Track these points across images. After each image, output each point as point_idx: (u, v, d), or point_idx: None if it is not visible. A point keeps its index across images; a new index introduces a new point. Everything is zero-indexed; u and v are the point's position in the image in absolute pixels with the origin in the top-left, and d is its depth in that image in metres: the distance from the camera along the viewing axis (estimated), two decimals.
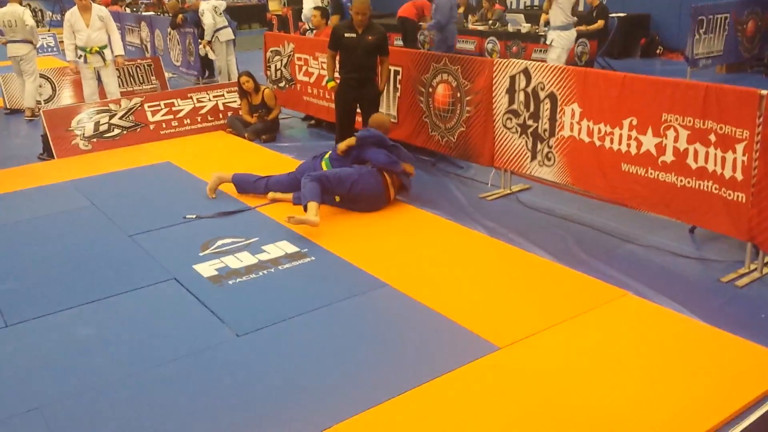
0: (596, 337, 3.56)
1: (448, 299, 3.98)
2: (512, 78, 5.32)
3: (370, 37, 5.98)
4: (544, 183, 5.48)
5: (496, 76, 5.45)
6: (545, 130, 5.17)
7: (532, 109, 5.23)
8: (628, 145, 4.60)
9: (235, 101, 8.39)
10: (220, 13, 10.53)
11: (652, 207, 4.65)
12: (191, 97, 8.30)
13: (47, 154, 7.43)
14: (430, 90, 6.12)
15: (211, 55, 10.78)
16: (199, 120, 8.26)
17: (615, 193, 4.81)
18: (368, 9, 6.02)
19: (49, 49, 15.58)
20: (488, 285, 4.18)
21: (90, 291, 4.29)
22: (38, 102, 9.63)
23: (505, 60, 5.44)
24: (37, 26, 18.78)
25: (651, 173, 4.50)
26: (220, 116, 8.36)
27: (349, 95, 6.18)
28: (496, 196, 5.72)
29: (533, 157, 5.33)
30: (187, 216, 5.40)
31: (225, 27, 10.59)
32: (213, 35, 10.48)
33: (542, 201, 5.50)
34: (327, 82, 6.32)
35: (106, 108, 7.80)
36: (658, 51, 11.82)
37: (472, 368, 3.33)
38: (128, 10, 17.64)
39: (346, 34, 6.04)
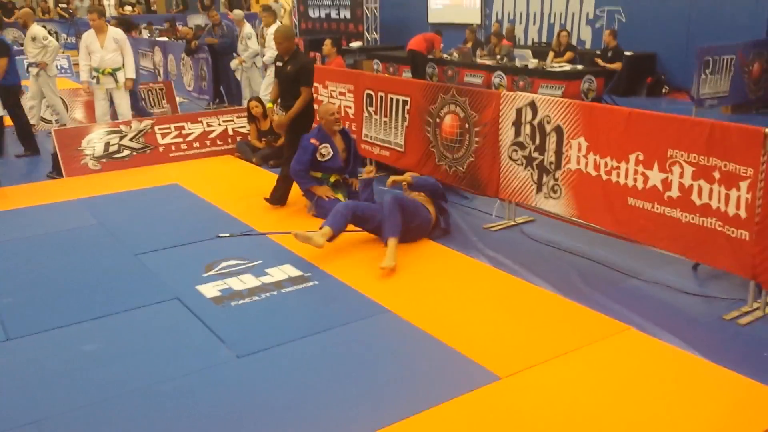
0: (597, 370, 3.55)
1: (449, 327, 3.98)
2: (519, 110, 5.38)
3: (289, 67, 6.10)
4: (549, 215, 5.50)
5: (503, 108, 5.51)
6: (551, 163, 5.20)
7: (538, 141, 5.27)
8: (635, 180, 4.62)
9: (244, 126, 8.49)
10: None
11: (657, 242, 4.66)
12: (201, 121, 8.40)
13: (56, 172, 7.50)
14: (438, 120, 6.19)
15: (238, 75, 10.94)
16: (208, 144, 8.35)
17: (621, 227, 4.82)
18: (284, 39, 6.13)
19: (63, 71, 15.78)
20: (490, 315, 4.17)
21: (93, 308, 4.31)
22: (46, 121, 9.83)
23: (511, 93, 5.51)
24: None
25: (657, 208, 4.52)
26: (229, 141, 8.45)
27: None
28: (501, 227, 5.74)
29: (539, 190, 5.36)
30: (221, 235, 5.46)
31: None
32: (251, 61, 10.70)
33: (546, 233, 5.51)
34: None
35: (117, 129, 7.90)
36: (663, 90, 11.93)
37: (472, 397, 3.32)
38: (145, 34, 17.89)
39: (277, 63, 6.32)
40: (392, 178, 5.43)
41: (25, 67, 9.56)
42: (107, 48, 8.34)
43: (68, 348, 3.85)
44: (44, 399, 3.37)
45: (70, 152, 7.56)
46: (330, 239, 4.95)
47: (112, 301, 4.39)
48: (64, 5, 21.46)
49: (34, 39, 9.25)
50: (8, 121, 9.52)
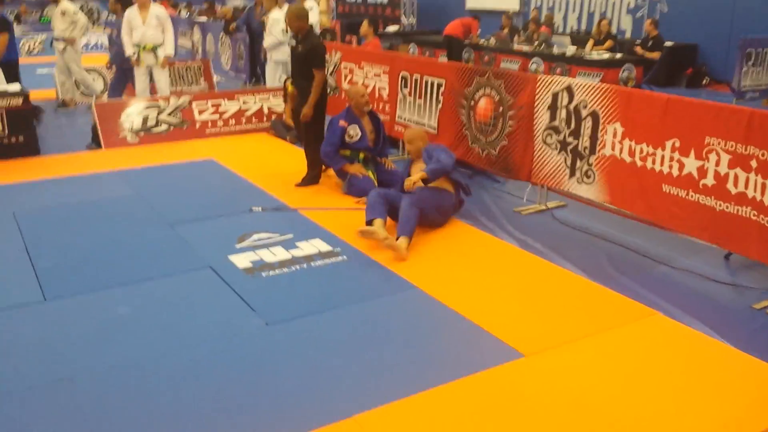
0: (622, 353, 3.55)
1: (476, 305, 4.01)
2: (555, 95, 5.35)
3: (300, 48, 6.05)
4: (581, 201, 5.47)
5: (538, 92, 5.49)
6: (585, 148, 5.18)
7: (573, 126, 5.25)
8: (670, 167, 4.58)
9: (279, 105, 8.57)
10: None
11: (689, 230, 4.62)
12: (238, 99, 8.50)
13: (96, 144, 7.67)
14: (472, 103, 6.18)
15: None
16: (243, 121, 8.45)
17: (653, 214, 4.78)
18: (295, 18, 6.07)
19: (103, 47, 16.06)
20: (517, 295, 4.19)
21: (128, 273, 4.43)
22: (86, 94, 10.06)
23: (548, 77, 5.48)
24: (93, 25, 19.42)
25: (692, 196, 4.48)
26: (264, 119, 8.54)
27: (297, 102, 6.40)
28: (531, 211, 5.73)
29: (572, 174, 5.34)
30: (254, 208, 5.57)
31: (280, 44, 10.74)
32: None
33: (577, 218, 5.49)
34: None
35: (156, 104, 8.04)
36: (704, 82, 11.71)
37: (496, 373, 3.35)
38: (184, 13, 18.11)
39: (290, 44, 6.34)
40: (408, 181, 5.10)
41: (50, 42, 9.79)
42: (149, 24, 8.47)
43: (103, 310, 3.97)
44: (78, 357, 3.48)
45: (110, 125, 7.72)
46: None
47: (147, 268, 4.51)
48: None
49: (63, 14, 9.39)
50: (40, 94, 9.81)
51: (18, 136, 7.19)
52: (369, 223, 4.86)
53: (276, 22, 9.26)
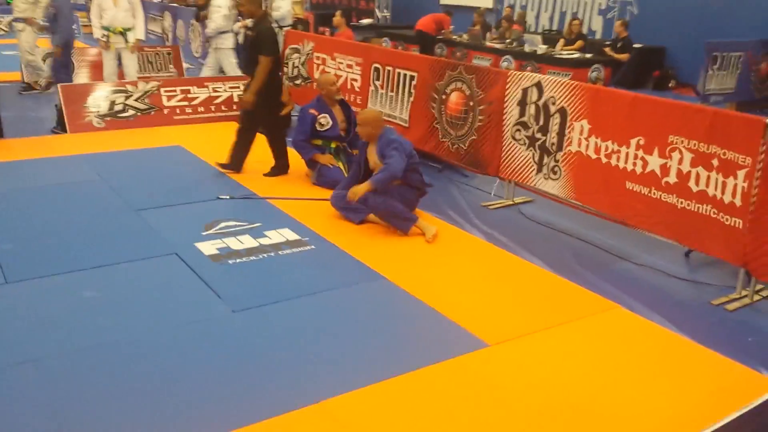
0: (584, 344, 3.62)
1: (441, 296, 4.04)
2: (525, 90, 5.41)
3: (249, 33, 5.97)
4: (547, 197, 5.55)
5: (509, 87, 5.54)
6: (553, 144, 5.25)
7: (541, 122, 5.31)
8: (634, 164, 4.67)
9: None
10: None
11: (651, 227, 4.71)
12: (207, 86, 8.41)
13: (60, 128, 7.53)
14: (443, 97, 6.21)
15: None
16: (212, 109, 8.37)
17: (617, 210, 4.87)
18: (246, 2, 5.91)
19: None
20: (482, 286, 4.24)
21: (93, 257, 4.37)
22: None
23: (519, 72, 5.54)
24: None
25: (654, 193, 4.57)
26: (234, 107, 8.45)
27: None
28: (499, 205, 5.79)
29: (539, 170, 5.41)
30: (221, 196, 5.53)
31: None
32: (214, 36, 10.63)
33: (543, 214, 5.57)
34: None
35: (123, 89, 7.91)
36: (670, 84, 11.93)
37: (461, 361, 3.39)
38: None
39: (236, 31, 6.16)
40: (352, 193, 4.93)
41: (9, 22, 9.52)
42: (120, 7, 8.33)
43: (66, 293, 3.91)
44: (41, 340, 3.43)
45: (76, 109, 7.58)
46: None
47: (112, 253, 4.45)
48: None
49: None
50: (7, 76, 9.58)
51: None
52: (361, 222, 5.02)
53: (218, 8, 8.98)
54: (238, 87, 8.53)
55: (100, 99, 7.72)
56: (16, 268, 4.18)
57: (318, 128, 5.91)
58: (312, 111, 5.92)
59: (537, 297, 4.11)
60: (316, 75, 8.12)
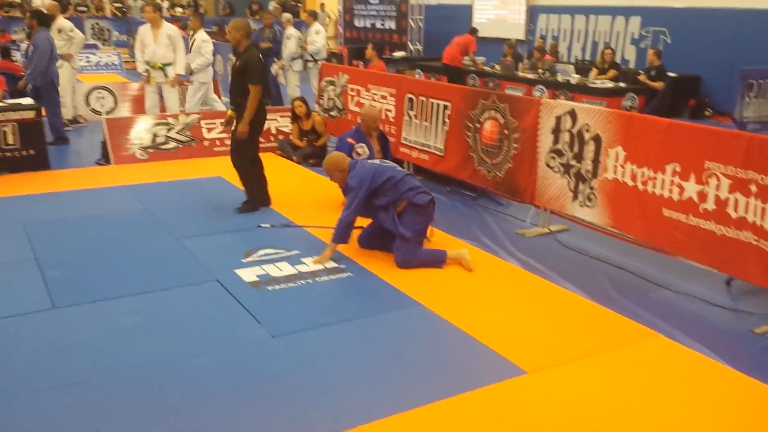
0: (623, 372, 3.59)
1: (477, 323, 4.06)
2: (558, 118, 5.45)
3: (238, 62, 5.86)
4: (583, 224, 5.54)
5: (542, 115, 5.59)
6: (588, 171, 5.26)
7: (576, 149, 5.33)
8: (671, 191, 4.66)
9: (286, 126, 8.68)
10: (300, 45, 11.15)
11: (690, 254, 4.67)
12: None
13: (105, 159, 7.77)
14: (478, 125, 6.28)
15: (281, 79, 11.31)
16: None
17: (654, 237, 4.85)
18: (232, 29, 5.85)
19: (114, 66, 16.30)
20: (519, 314, 4.24)
21: (135, 284, 4.49)
22: (96, 111, 10.13)
23: (552, 101, 5.58)
24: (103, 45, 19.59)
25: (692, 220, 4.54)
26: (272, 139, 8.64)
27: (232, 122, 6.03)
28: (534, 233, 5.80)
29: (574, 198, 5.41)
30: (262, 225, 5.65)
31: (300, 58, 11.20)
32: (289, 62, 11.06)
33: (579, 241, 5.55)
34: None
35: (165, 122, 8.16)
36: (707, 113, 11.84)
37: (498, 389, 3.39)
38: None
39: (231, 57, 6.15)
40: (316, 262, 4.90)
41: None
42: (160, 43, 8.61)
43: (110, 319, 4.03)
44: (84, 363, 3.54)
45: (119, 141, 7.83)
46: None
47: (154, 280, 4.57)
48: (119, 4, 22.10)
49: (59, 31, 9.46)
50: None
51: (29, 150, 7.29)
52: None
53: (205, 42, 9.13)
54: (276, 119, 8.73)
55: (142, 131, 7.97)
56: (63, 294, 4.32)
57: (354, 157, 6.01)
58: (350, 140, 6.04)
59: (574, 324, 4.10)
60: (351, 106, 8.27)
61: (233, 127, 5.99)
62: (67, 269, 4.72)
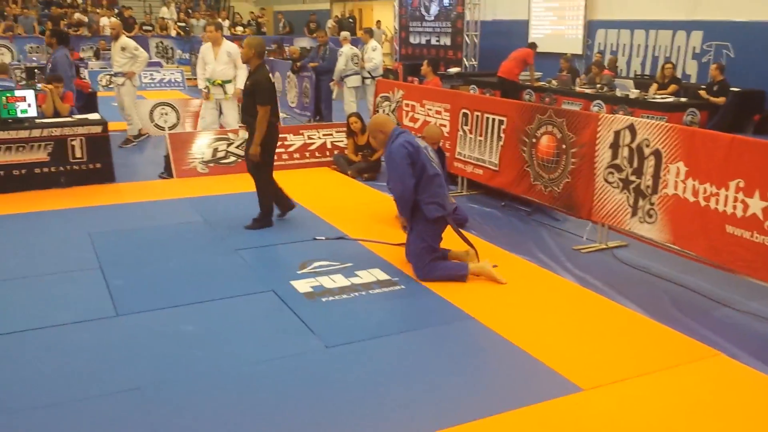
0: (684, 391, 3.49)
1: (532, 338, 4.01)
2: (617, 133, 5.37)
3: (248, 81, 5.89)
4: (643, 240, 5.42)
5: (600, 130, 5.51)
6: (648, 187, 5.15)
7: (635, 164, 5.24)
8: (734, 207, 4.52)
9: (342, 140, 8.80)
10: (356, 62, 11.32)
11: (755, 272, 4.52)
12: (302, 134, 8.77)
13: (167, 173, 8.02)
14: (534, 140, 6.24)
15: (335, 96, 11.57)
16: (307, 155, 8.70)
17: (717, 254, 4.71)
18: (246, 46, 5.88)
19: (176, 83, 16.82)
20: (574, 330, 4.17)
21: (194, 293, 4.61)
22: (160, 127, 10.48)
23: (610, 115, 5.50)
24: (167, 63, 20.23)
25: (756, 237, 4.40)
26: (327, 153, 8.77)
27: (247, 143, 6.03)
28: (591, 249, 5.70)
29: (634, 213, 5.31)
30: (318, 237, 5.74)
31: (356, 74, 11.34)
32: (341, 78, 11.30)
33: (638, 258, 5.43)
34: None
35: (225, 137, 8.37)
36: None
37: (552, 405, 3.34)
38: None
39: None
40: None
41: (102, 77, 9.99)
42: (220, 60, 8.84)
43: (170, 327, 4.14)
44: (145, 369, 3.64)
45: (181, 155, 8.07)
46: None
47: (212, 289, 4.68)
48: (182, 24, 22.84)
49: (123, 49, 9.76)
50: (117, 125, 10.22)
51: (96, 163, 7.58)
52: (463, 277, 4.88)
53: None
54: (331, 134, 8.86)
55: (203, 146, 8.20)
56: (126, 303, 4.47)
57: None
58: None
59: (632, 342, 4.00)
60: (406, 121, 8.32)
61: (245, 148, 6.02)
62: (130, 278, 4.88)
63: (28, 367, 3.66)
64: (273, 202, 6.19)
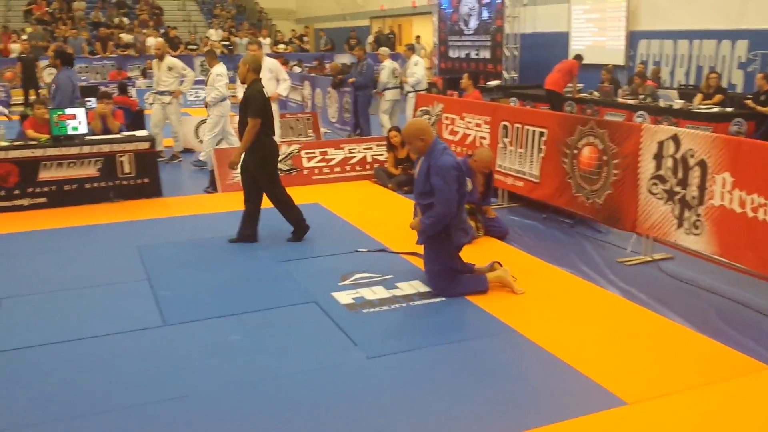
0: (731, 406, 3.41)
1: (575, 351, 3.97)
2: (660, 144, 5.30)
3: (243, 96, 5.94)
4: (689, 253, 5.33)
5: (644, 141, 5.45)
6: (693, 198, 5.07)
7: (680, 175, 5.16)
8: None
9: (382, 154, 8.87)
10: (396, 76, 11.56)
11: None
12: (343, 148, 8.87)
13: (213, 187, 8.19)
14: (575, 152, 6.20)
15: (373, 110, 11.94)
16: (348, 169, 8.80)
17: (765, 267, 4.60)
18: (241, 64, 6.00)
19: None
20: (618, 343, 4.12)
21: (239, 304, 4.70)
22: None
23: (653, 126, 5.44)
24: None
25: None
26: (368, 167, 8.85)
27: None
28: (636, 262, 5.62)
29: (679, 225, 5.22)
30: (359, 249, 5.79)
31: (395, 88, 11.57)
32: (382, 90, 11.58)
33: (685, 271, 5.33)
34: None
35: None
36: None
37: (596, 419, 3.30)
38: (297, 69, 19.18)
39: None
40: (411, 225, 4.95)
41: (149, 95, 10.21)
42: (263, 77, 8.99)
43: (215, 336, 4.23)
44: (191, 377, 3.73)
45: (226, 170, 8.22)
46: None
47: (256, 300, 4.77)
48: (227, 42, 23.34)
49: (170, 69, 9.99)
50: (168, 141, 10.48)
51: (143, 178, 7.79)
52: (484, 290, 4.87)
53: (219, 77, 9.31)
54: (372, 148, 8.94)
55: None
56: (173, 313, 4.57)
57: None
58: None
59: (678, 355, 3.93)
60: (446, 134, 8.34)
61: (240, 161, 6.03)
62: (177, 289, 5.00)
63: (80, 375, 3.78)
64: (295, 209, 6.17)
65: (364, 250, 5.80)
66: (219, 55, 22.19)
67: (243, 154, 5.93)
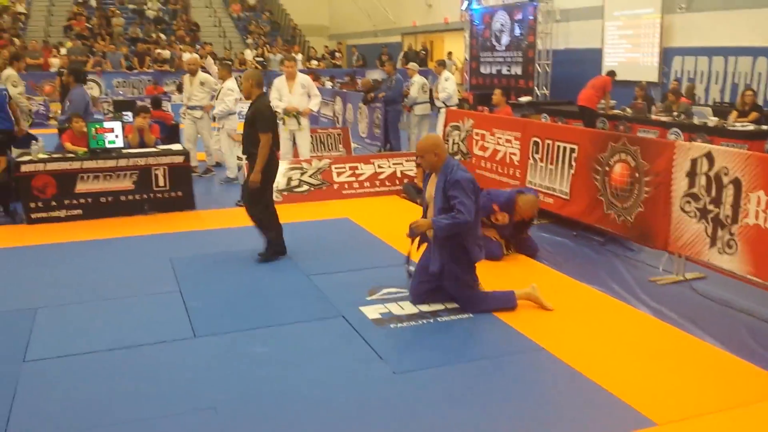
0: (763, 428, 3.34)
1: (605, 371, 3.92)
2: (693, 161, 5.24)
3: (249, 111, 5.88)
4: (722, 272, 5.24)
5: (676, 158, 5.39)
6: (727, 217, 4.99)
7: (713, 193, 5.09)
8: None
9: (411, 169, 8.89)
10: (425, 91, 11.68)
11: None
12: (373, 163, 8.92)
13: (244, 201, 8.27)
14: (607, 169, 6.15)
15: (403, 126, 12.04)
16: (377, 184, 8.84)
17: None
18: (244, 80, 5.96)
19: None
20: (649, 363, 4.06)
21: (268, 317, 4.74)
22: (239, 158, 10.80)
23: (686, 143, 5.38)
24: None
25: None
26: (397, 182, 8.88)
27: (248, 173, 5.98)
28: (668, 281, 5.54)
29: (712, 244, 5.14)
30: (410, 268, 5.36)
31: (425, 103, 11.70)
32: (411, 105, 11.71)
33: (718, 291, 5.24)
34: None
35: (299, 166, 8.60)
36: None
37: None
38: (329, 85, 19.37)
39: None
40: (414, 225, 4.92)
41: (181, 110, 10.38)
42: (295, 93, 9.11)
43: (243, 348, 4.27)
44: (220, 389, 3.76)
45: None
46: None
47: (285, 313, 4.81)
48: (260, 58, 23.68)
49: (202, 84, 10.14)
50: (201, 155, 10.61)
51: (177, 192, 7.92)
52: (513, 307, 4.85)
53: (230, 91, 9.39)
54: (401, 163, 8.97)
55: (278, 175, 8.39)
56: (203, 324, 4.63)
57: (492, 221, 6.02)
58: (495, 206, 5.98)
59: (711, 377, 3.86)
60: (476, 150, 8.33)
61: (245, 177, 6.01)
62: (208, 301, 5.06)
63: (112, 384, 3.84)
64: (277, 228, 6.12)
65: (412, 268, 5.70)
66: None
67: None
